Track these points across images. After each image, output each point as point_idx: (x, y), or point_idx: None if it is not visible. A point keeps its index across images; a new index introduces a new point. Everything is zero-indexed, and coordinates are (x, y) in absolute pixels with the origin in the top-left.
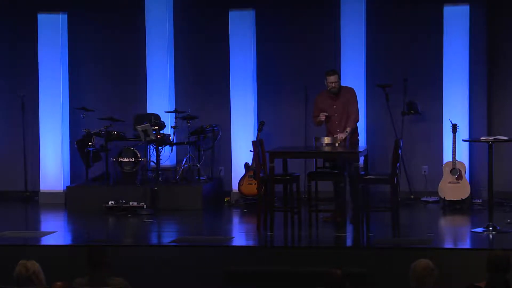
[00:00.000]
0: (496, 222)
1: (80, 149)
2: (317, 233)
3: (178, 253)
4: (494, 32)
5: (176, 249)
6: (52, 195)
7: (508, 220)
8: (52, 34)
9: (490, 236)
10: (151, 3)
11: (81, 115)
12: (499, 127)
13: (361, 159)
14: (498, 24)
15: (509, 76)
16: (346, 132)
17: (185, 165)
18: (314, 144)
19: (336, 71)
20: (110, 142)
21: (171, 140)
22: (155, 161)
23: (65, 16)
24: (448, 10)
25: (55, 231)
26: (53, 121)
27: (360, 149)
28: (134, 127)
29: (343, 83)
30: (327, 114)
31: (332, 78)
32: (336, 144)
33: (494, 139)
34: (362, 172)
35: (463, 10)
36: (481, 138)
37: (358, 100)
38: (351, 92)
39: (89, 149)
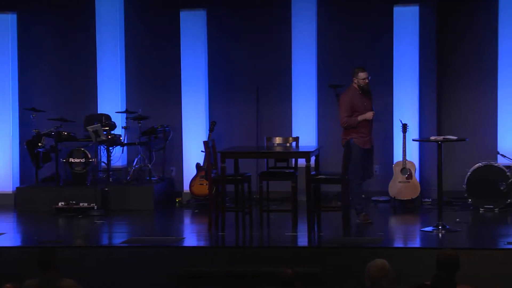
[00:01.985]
0: (446, 221)
1: (30, 149)
2: (269, 233)
3: (129, 254)
4: (444, 33)
5: (127, 250)
6: (1, 196)
7: (457, 219)
8: (1, 34)
9: (440, 235)
10: (101, 3)
11: (31, 116)
12: (448, 127)
13: (313, 158)
14: (447, 24)
15: (458, 76)
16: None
17: (136, 166)
18: (265, 144)
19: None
20: (60, 142)
21: (122, 141)
22: (105, 162)
23: (15, 16)
24: (398, 11)
25: (4, 232)
26: (2, 122)
27: (311, 149)
28: (85, 127)
29: (294, 84)
30: (374, 112)
31: (365, 74)
32: None
33: (444, 138)
34: (313, 172)
35: (413, 11)
36: (431, 138)
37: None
38: (371, 93)
39: (39, 149)
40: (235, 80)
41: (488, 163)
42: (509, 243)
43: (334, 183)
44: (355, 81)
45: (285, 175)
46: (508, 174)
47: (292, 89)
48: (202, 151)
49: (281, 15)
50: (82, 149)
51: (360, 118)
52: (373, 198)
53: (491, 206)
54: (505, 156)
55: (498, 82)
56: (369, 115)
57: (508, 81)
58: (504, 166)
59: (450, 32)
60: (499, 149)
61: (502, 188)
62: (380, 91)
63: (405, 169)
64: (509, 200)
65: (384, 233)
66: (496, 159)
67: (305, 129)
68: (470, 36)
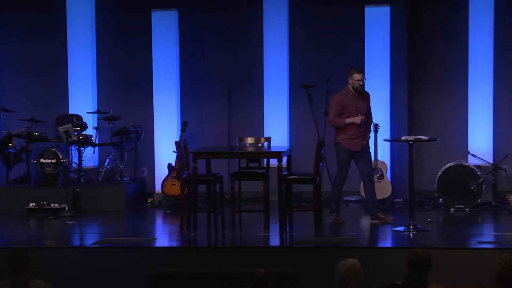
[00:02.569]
0: (417, 221)
1: (0, 150)
2: (241, 233)
3: (101, 255)
4: (415, 33)
5: (99, 250)
6: None
7: (428, 219)
8: None
9: (411, 234)
10: (72, 3)
11: (1, 116)
12: (419, 127)
13: (284, 159)
14: (419, 25)
15: (428, 76)
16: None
17: (108, 166)
18: (237, 145)
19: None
20: (31, 143)
21: (94, 141)
22: (77, 162)
23: None
24: (370, 11)
25: None
26: None
27: (283, 149)
28: (56, 128)
29: (266, 84)
30: (364, 118)
31: (360, 76)
32: None
33: (415, 138)
34: (285, 172)
35: (384, 11)
36: (402, 138)
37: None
38: (369, 97)
39: (10, 150)
40: (207, 80)
41: (459, 163)
42: (479, 242)
43: (306, 183)
44: (350, 81)
45: (257, 175)
46: (478, 174)
47: (264, 89)
48: (174, 151)
49: (253, 15)
50: (53, 149)
51: (347, 120)
52: (345, 198)
53: (462, 206)
54: (475, 156)
55: (468, 83)
56: (357, 119)
57: (478, 81)
58: (474, 166)
59: (421, 33)
60: (469, 149)
61: (472, 188)
62: None
63: (377, 169)
64: (479, 200)
65: (355, 233)
66: (466, 159)
67: (277, 129)
68: (441, 37)
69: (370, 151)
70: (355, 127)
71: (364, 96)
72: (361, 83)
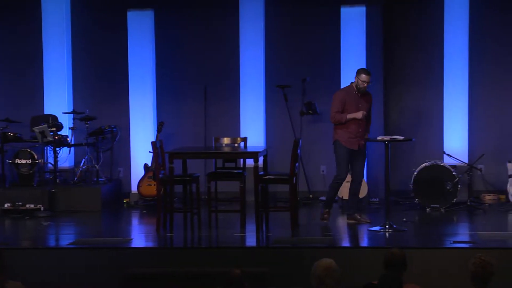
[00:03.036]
0: (393, 220)
1: None
2: (217, 233)
3: (76, 256)
4: (390, 33)
5: (74, 251)
6: None
7: (404, 219)
8: None
9: (387, 234)
10: (48, 3)
11: None
12: (395, 127)
13: (261, 159)
14: (394, 24)
15: (405, 77)
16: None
17: (84, 167)
18: (213, 145)
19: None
20: (6, 143)
21: (69, 141)
22: (52, 163)
23: None
24: (345, 11)
25: None
26: None
27: (259, 149)
28: (31, 128)
29: (242, 84)
30: (365, 113)
31: (367, 78)
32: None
33: (391, 138)
34: (261, 172)
35: (360, 11)
36: (378, 138)
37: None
38: (371, 98)
39: None
40: (183, 80)
41: (435, 163)
42: (455, 242)
43: (282, 183)
44: (355, 80)
45: (233, 176)
46: (454, 173)
47: (240, 89)
48: (150, 151)
49: (229, 14)
50: (29, 150)
51: (349, 116)
52: (321, 198)
53: (437, 206)
54: (451, 156)
55: (444, 83)
56: (358, 114)
57: (453, 81)
58: (450, 165)
59: (396, 33)
60: (445, 149)
61: (448, 187)
62: (328, 91)
63: None
64: (455, 200)
65: (332, 233)
66: (442, 159)
67: (253, 130)
68: (417, 37)
69: (366, 151)
70: (355, 126)
71: (366, 97)
72: (365, 85)
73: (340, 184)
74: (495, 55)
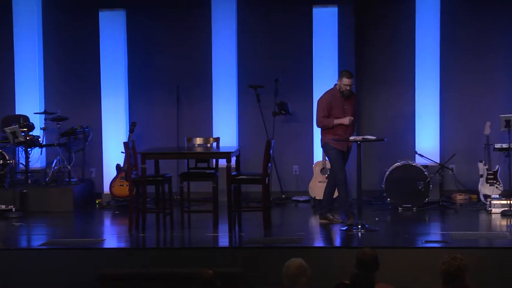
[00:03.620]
0: (365, 220)
1: None
2: (190, 234)
3: (48, 256)
4: (362, 33)
5: (46, 252)
6: None
7: (376, 218)
8: None
9: (359, 234)
10: (19, 2)
11: None
12: (368, 127)
13: (233, 159)
14: (366, 24)
15: (377, 77)
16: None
17: (55, 167)
18: (186, 145)
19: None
20: None
21: (41, 142)
22: (24, 163)
23: None
24: (317, 11)
25: None
26: None
27: (232, 150)
28: (2, 128)
29: (214, 84)
30: (352, 118)
31: (349, 81)
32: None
33: (363, 138)
34: (234, 173)
35: (332, 12)
36: (350, 138)
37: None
38: (356, 98)
39: None
40: (155, 80)
41: (407, 163)
42: (426, 241)
43: (255, 183)
44: (338, 83)
45: (206, 176)
46: (426, 173)
47: (213, 90)
48: (122, 152)
49: (201, 15)
50: (0, 150)
51: (336, 122)
52: (293, 198)
53: (409, 205)
54: (423, 156)
55: (415, 83)
56: (345, 120)
57: (425, 81)
58: (422, 165)
59: (368, 33)
60: (417, 149)
61: (420, 187)
62: (300, 92)
63: (325, 169)
64: (426, 199)
65: (304, 233)
66: (414, 158)
67: (225, 130)
68: (388, 37)
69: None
70: (343, 129)
71: (351, 98)
72: (348, 88)
73: (346, 185)
74: (466, 56)
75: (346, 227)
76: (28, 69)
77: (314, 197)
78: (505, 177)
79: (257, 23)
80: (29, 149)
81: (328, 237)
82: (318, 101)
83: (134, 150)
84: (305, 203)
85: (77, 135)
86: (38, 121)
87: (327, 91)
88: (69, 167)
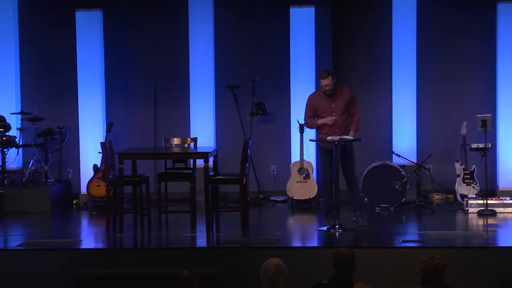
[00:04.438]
0: (342, 220)
1: None
2: (167, 234)
3: (25, 257)
4: (339, 34)
5: (23, 253)
6: None
7: (354, 218)
8: None
9: (337, 234)
10: None
11: None
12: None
13: (211, 159)
14: (343, 25)
15: (354, 76)
16: (351, 136)
17: (32, 168)
18: (163, 145)
19: (330, 72)
20: None
21: (17, 142)
22: (0, 164)
23: None
24: (294, 12)
25: None
26: None
27: (209, 150)
28: None
29: (192, 84)
30: (336, 118)
31: (324, 82)
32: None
33: (340, 138)
34: (212, 173)
35: (309, 12)
36: (328, 138)
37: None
38: (349, 92)
39: None
40: (132, 81)
41: (384, 163)
42: (404, 241)
43: (232, 183)
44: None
45: (183, 176)
46: (403, 173)
47: (190, 90)
48: (99, 152)
49: (178, 15)
50: None
51: (319, 122)
52: (271, 198)
53: (387, 205)
54: (400, 156)
55: (393, 83)
56: (327, 120)
57: (402, 81)
58: (399, 165)
59: (345, 33)
60: (394, 149)
61: (397, 187)
62: (277, 92)
63: (303, 169)
64: (404, 199)
65: (282, 233)
66: (391, 158)
67: (203, 130)
68: (365, 37)
69: (352, 151)
70: (329, 127)
71: (340, 95)
72: (327, 88)
73: (330, 186)
74: (442, 57)
75: (325, 227)
76: (4, 69)
77: (292, 197)
78: (481, 177)
79: (234, 23)
80: (5, 150)
81: (305, 237)
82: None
83: (111, 150)
84: (283, 203)
85: (54, 136)
86: (14, 122)
87: (313, 92)
88: (46, 167)
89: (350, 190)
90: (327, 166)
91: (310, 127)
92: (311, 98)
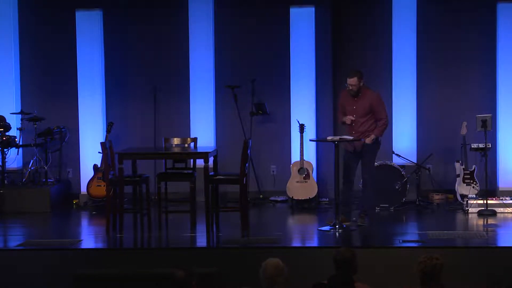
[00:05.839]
0: (342, 220)
1: None
2: (167, 234)
3: (25, 257)
4: (339, 33)
5: (23, 252)
6: None
7: (354, 219)
8: None
9: (337, 234)
10: None
11: None
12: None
13: (211, 159)
14: (343, 25)
15: None
16: (373, 139)
17: (32, 168)
18: (163, 145)
19: (358, 73)
20: None
21: (17, 142)
22: (0, 164)
23: None
24: (294, 12)
25: None
26: None
27: (209, 150)
28: None
29: (192, 84)
30: (353, 119)
31: (349, 80)
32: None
33: (340, 138)
34: (211, 173)
35: (309, 12)
36: (328, 138)
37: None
38: (373, 97)
39: None
40: (132, 81)
41: (384, 163)
42: (404, 241)
43: (232, 183)
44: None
45: (183, 176)
46: (403, 173)
47: (190, 90)
48: (99, 152)
49: (178, 15)
50: None
51: (340, 120)
52: (271, 198)
53: (387, 205)
54: (400, 156)
55: (392, 82)
56: (345, 119)
57: (402, 81)
58: (399, 165)
59: (345, 33)
60: (394, 149)
61: (397, 187)
62: (277, 92)
63: (303, 169)
64: (404, 199)
65: (282, 233)
66: (391, 158)
67: (203, 130)
68: (365, 37)
69: (370, 154)
70: (348, 129)
71: (365, 97)
72: (351, 87)
73: (345, 186)
74: (442, 56)
75: (328, 227)
76: (4, 69)
77: (292, 197)
78: (481, 177)
79: (234, 23)
80: (5, 150)
81: (305, 237)
82: None
83: (111, 150)
84: (283, 203)
85: (54, 136)
86: (14, 121)
87: (343, 89)
88: (45, 167)
89: (362, 193)
90: (343, 166)
91: (338, 121)
92: (341, 95)
